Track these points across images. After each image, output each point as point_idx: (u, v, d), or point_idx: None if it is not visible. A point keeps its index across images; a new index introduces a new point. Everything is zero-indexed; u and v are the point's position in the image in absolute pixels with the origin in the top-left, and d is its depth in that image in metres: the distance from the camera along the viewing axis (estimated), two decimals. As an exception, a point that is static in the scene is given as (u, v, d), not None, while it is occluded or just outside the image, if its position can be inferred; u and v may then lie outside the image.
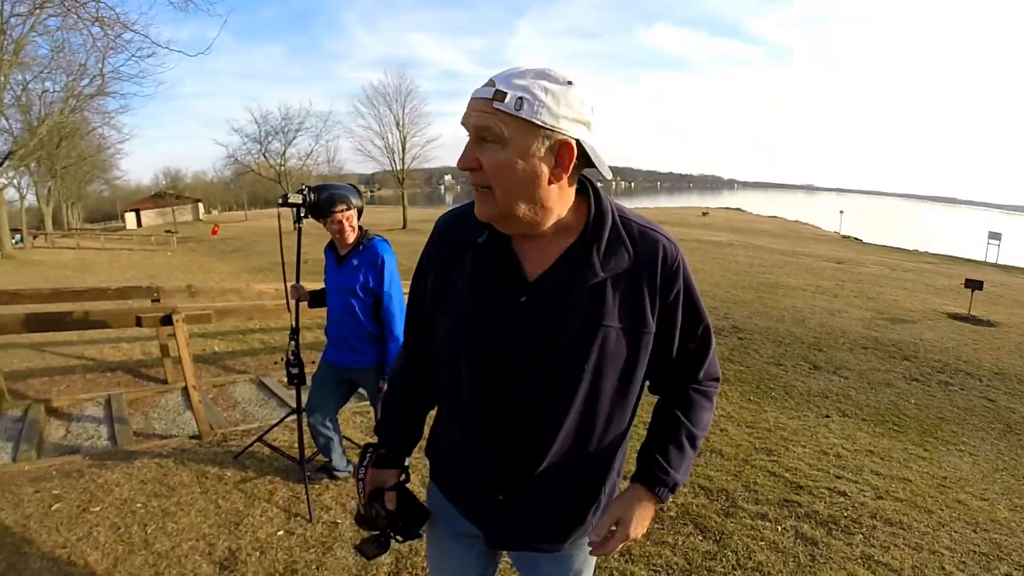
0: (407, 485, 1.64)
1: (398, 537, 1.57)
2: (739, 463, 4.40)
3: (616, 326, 1.26)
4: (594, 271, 1.22)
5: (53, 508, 3.58)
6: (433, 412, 1.65)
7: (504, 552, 1.65)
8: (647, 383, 1.46)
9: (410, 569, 3.10)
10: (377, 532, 1.60)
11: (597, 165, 1.20)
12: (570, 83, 1.14)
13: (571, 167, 1.18)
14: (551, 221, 1.25)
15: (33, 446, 4.67)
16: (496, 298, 1.29)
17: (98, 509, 3.57)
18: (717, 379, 1.49)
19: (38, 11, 17.71)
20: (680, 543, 3.33)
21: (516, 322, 1.28)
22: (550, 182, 1.18)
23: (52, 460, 4.36)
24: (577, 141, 1.16)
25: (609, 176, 1.25)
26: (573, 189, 1.27)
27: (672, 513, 3.62)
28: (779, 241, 28.65)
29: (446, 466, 1.55)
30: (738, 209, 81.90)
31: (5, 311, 6.25)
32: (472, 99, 1.17)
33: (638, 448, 1.48)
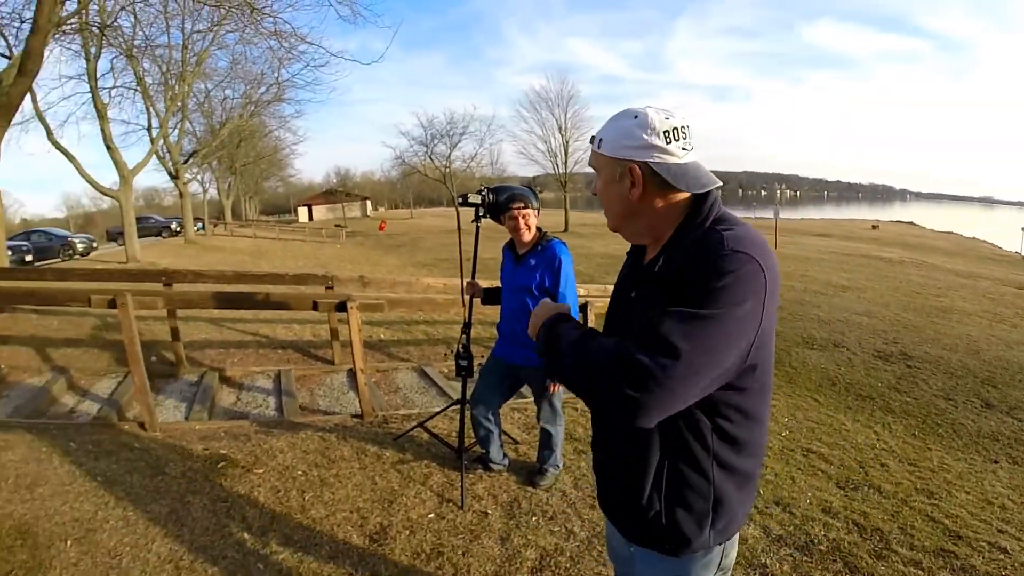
0: None
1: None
2: (897, 503, 4.04)
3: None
4: (654, 270, 1.43)
5: (219, 465, 3.88)
6: None
7: None
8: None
9: (553, 567, 3.06)
10: None
11: (672, 181, 1.39)
12: (636, 116, 1.39)
13: (642, 186, 1.41)
14: (654, 231, 1.49)
15: (205, 408, 5.10)
16: (623, 292, 1.60)
17: (261, 471, 3.83)
18: (649, 376, 1.22)
19: (217, 27, 19.67)
20: (827, 581, 3.11)
21: (628, 311, 1.54)
22: (638, 200, 1.43)
23: (221, 423, 4.74)
24: (644, 164, 1.39)
25: (713, 183, 1.42)
26: (669, 203, 1.45)
27: (823, 547, 3.38)
28: (954, 260, 26.14)
29: None
30: (910, 223, 75.58)
31: (192, 288, 6.87)
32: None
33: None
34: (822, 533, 3.53)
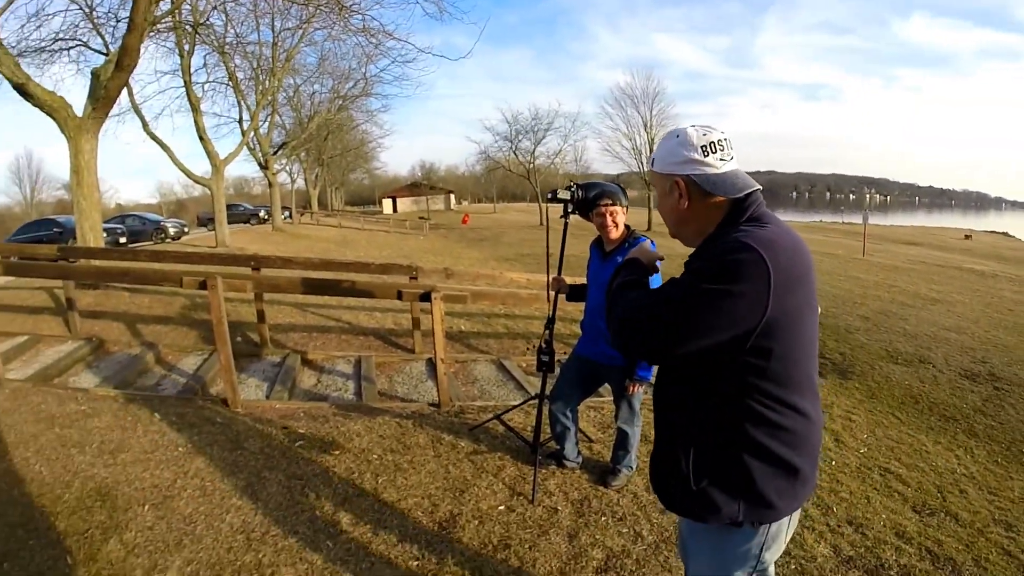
0: None
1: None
2: (974, 533, 3.83)
3: None
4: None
5: (296, 444, 4.00)
6: None
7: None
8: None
9: (618, 569, 3.03)
10: None
11: (711, 189, 1.60)
12: (677, 136, 1.63)
13: (688, 197, 1.64)
14: (702, 234, 1.66)
15: (286, 389, 5.26)
16: None
17: (337, 452, 3.92)
18: (638, 327, 1.59)
19: (306, 25, 20.26)
20: (897, 610, 2.98)
21: None
22: (687, 209, 1.65)
23: (301, 403, 4.87)
24: (687, 176, 1.61)
25: (725, 194, 1.60)
26: (712, 209, 1.64)
27: (893, 573, 3.24)
28: None
29: None
30: (1004, 233, 71.28)
31: (279, 273, 7.08)
32: None
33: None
34: (893, 558, 3.40)
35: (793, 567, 3.15)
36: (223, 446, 3.90)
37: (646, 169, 44.00)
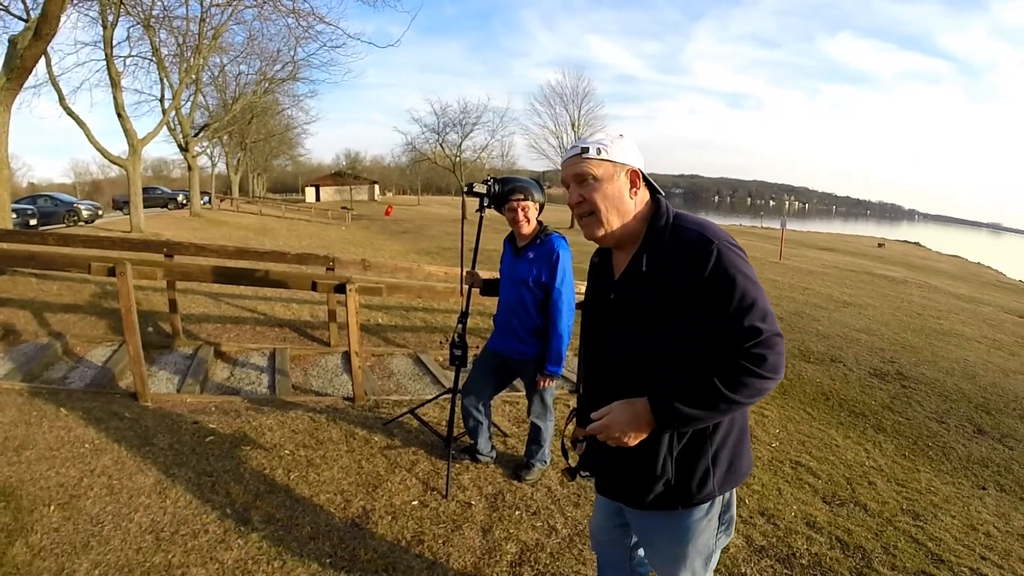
0: None
1: (583, 473, 2.06)
2: (882, 522, 4.04)
3: (662, 304, 1.68)
4: (641, 264, 1.74)
5: (207, 440, 3.89)
6: None
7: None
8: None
9: (532, 563, 3.06)
10: (574, 467, 2.12)
11: (653, 185, 1.84)
12: (621, 135, 1.80)
13: (640, 186, 1.80)
14: (631, 230, 1.80)
15: (198, 382, 5.11)
16: (600, 295, 1.90)
17: (248, 448, 3.84)
18: (763, 352, 1.60)
19: (236, 2, 19.64)
20: (806, 596, 3.10)
21: (610, 311, 1.84)
22: (630, 197, 1.79)
23: (213, 397, 4.75)
24: (639, 169, 1.79)
25: (657, 191, 1.87)
26: (644, 204, 1.83)
27: (804, 561, 3.37)
28: (957, 284, 26.02)
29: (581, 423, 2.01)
30: (916, 243, 75.45)
31: (192, 261, 6.86)
32: (565, 161, 1.82)
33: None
34: (804, 547, 3.53)
35: None
36: (131, 442, 3.75)
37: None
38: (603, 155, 1.75)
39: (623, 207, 1.78)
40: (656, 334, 1.71)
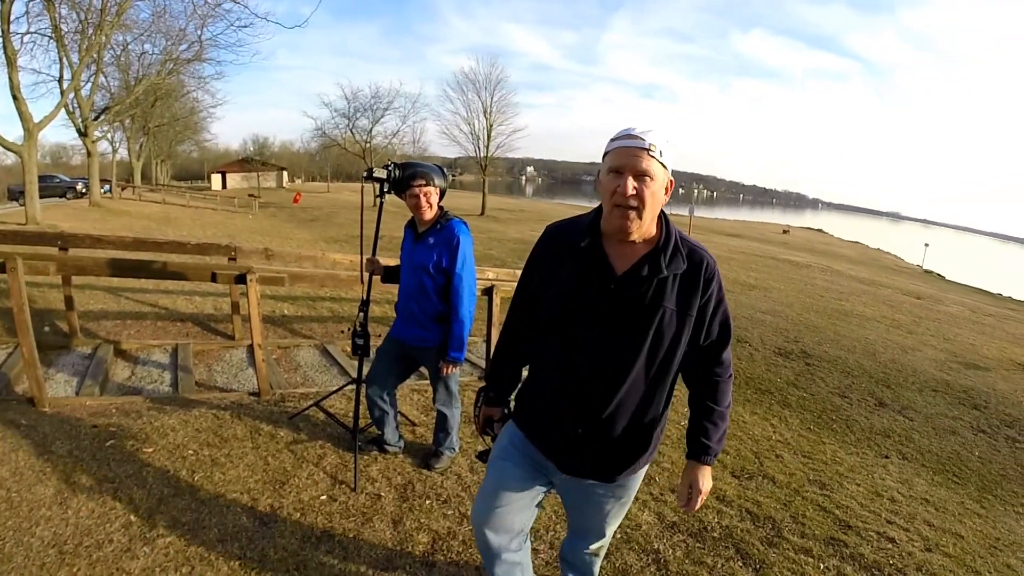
0: (510, 417, 2.27)
1: None
2: (790, 493, 4.24)
3: (672, 308, 1.85)
4: (661, 269, 1.82)
5: (108, 444, 3.71)
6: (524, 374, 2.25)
7: (553, 489, 2.21)
8: (681, 374, 2.06)
9: (445, 551, 3.09)
10: (489, 448, 2.32)
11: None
12: (668, 141, 1.80)
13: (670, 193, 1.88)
14: (649, 231, 1.87)
15: (97, 383, 4.88)
16: (596, 284, 1.86)
17: (151, 450, 3.69)
18: (730, 367, 2.06)
19: None
20: (719, 566, 3.21)
21: (607, 301, 1.85)
22: (662, 202, 1.85)
23: (114, 398, 4.55)
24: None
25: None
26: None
27: (715, 534, 3.51)
28: (858, 268, 27.57)
29: (538, 411, 2.07)
30: (819, 230, 79.52)
31: (88, 254, 6.53)
32: (631, 148, 1.77)
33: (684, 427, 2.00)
34: (716, 520, 3.67)
35: (619, 536, 3.32)
36: (29, 451, 3.55)
37: (481, 155, 44.36)
38: (663, 158, 1.78)
39: (656, 211, 1.84)
40: (648, 334, 1.84)
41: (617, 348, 1.86)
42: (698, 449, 2.05)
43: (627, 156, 1.77)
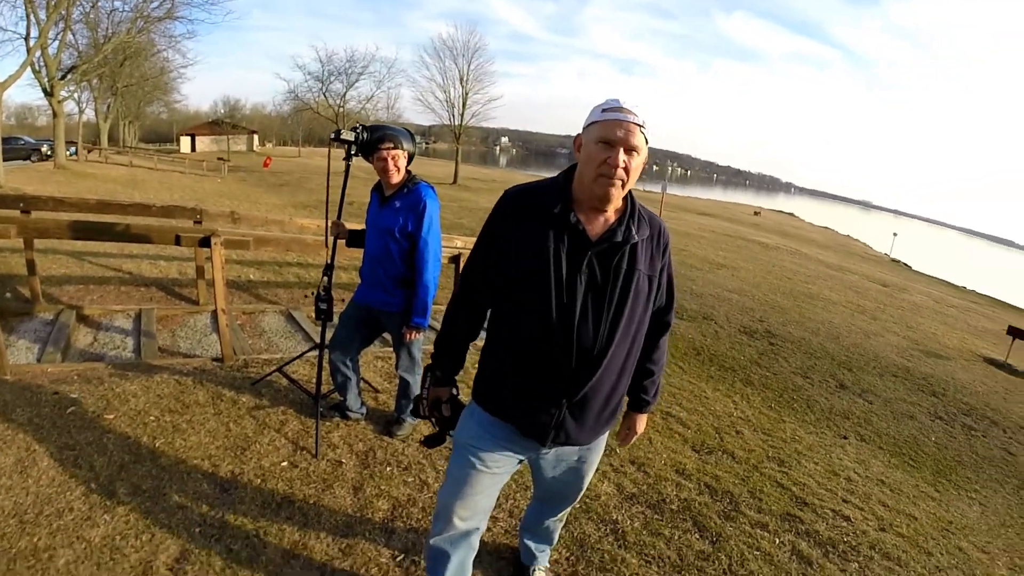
0: (458, 396, 2.30)
1: (451, 433, 2.21)
2: (749, 468, 4.32)
3: (644, 271, 1.91)
4: (632, 235, 1.87)
5: (68, 411, 3.65)
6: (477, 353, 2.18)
7: (523, 460, 2.16)
8: None
9: (405, 518, 3.10)
10: (438, 431, 2.31)
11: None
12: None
13: None
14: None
15: (59, 350, 4.78)
16: (572, 251, 1.83)
17: (112, 417, 3.63)
18: (670, 328, 2.24)
19: None
20: (676, 538, 3.26)
21: (587, 267, 1.84)
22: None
23: (75, 365, 4.46)
24: None
25: None
26: None
27: (674, 507, 3.56)
28: (827, 253, 28.03)
29: (513, 389, 1.98)
30: (790, 214, 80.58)
31: (50, 216, 6.36)
32: (625, 122, 1.76)
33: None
34: (674, 493, 3.72)
35: (578, 506, 3.32)
36: (-12, 419, 3.48)
37: (456, 123, 43.84)
38: (648, 134, 1.81)
39: (633, 183, 1.86)
40: (628, 299, 1.88)
41: (598, 315, 1.85)
42: (640, 403, 2.28)
43: (620, 129, 1.76)
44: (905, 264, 38.87)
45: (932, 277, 32.96)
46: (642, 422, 2.35)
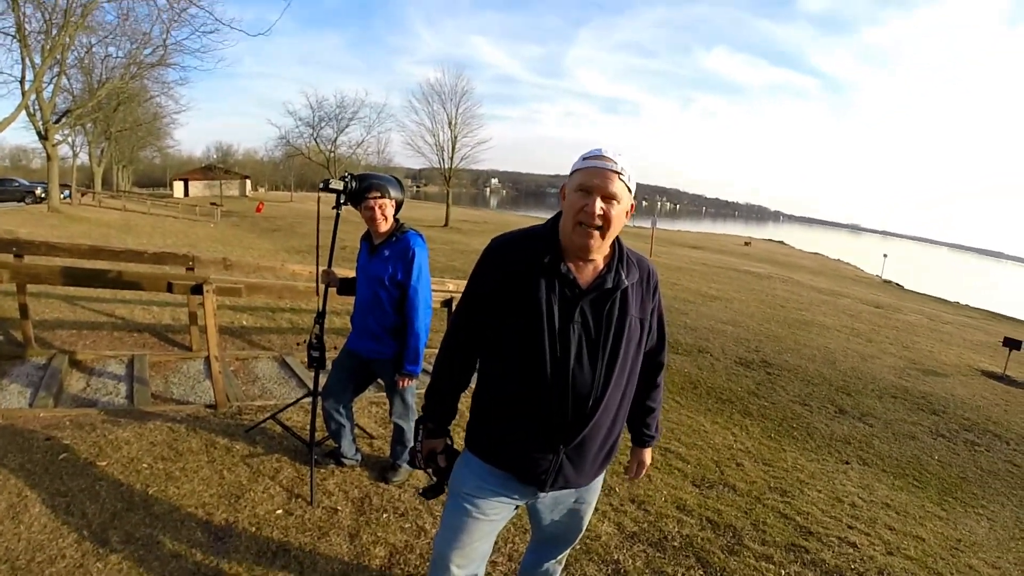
0: (452, 446, 2.28)
1: (447, 485, 2.20)
2: (751, 500, 4.30)
3: (636, 315, 1.94)
4: (622, 280, 1.89)
5: (61, 457, 3.63)
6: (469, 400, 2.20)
7: (520, 505, 2.13)
8: None
9: (403, 565, 3.07)
10: (435, 481, 2.30)
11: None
12: (632, 165, 1.83)
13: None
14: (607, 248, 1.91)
15: (52, 395, 4.76)
16: (563, 299, 1.84)
17: (104, 464, 3.61)
18: (665, 367, 2.29)
19: None
20: (679, 575, 3.26)
21: (578, 315, 1.85)
22: (623, 225, 1.86)
23: (68, 410, 4.44)
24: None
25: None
26: None
27: (676, 543, 3.54)
28: (818, 278, 28.23)
29: (508, 438, 1.97)
30: (780, 242, 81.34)
31: (43, 262, 6.39)
32: (603, 170, 1.79)
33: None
34: (676, 530, 3.70)
35: (579, 547, 3.30)
36: (-20, 465, 3.46)
37: (446, 166, 44.27)
38: (630, 183, 1.83)
39: (617, 232, 1.88)
40: (621, 345, 1.89)
41: (593, 363, 1.86)
42: (644, 439, 2.37)
43: (598, 177, 1.79)
44: (897, 284, 39.10)
45: (925, 295, 33.12)
46: (648, 455, 2.42)
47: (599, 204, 1.78)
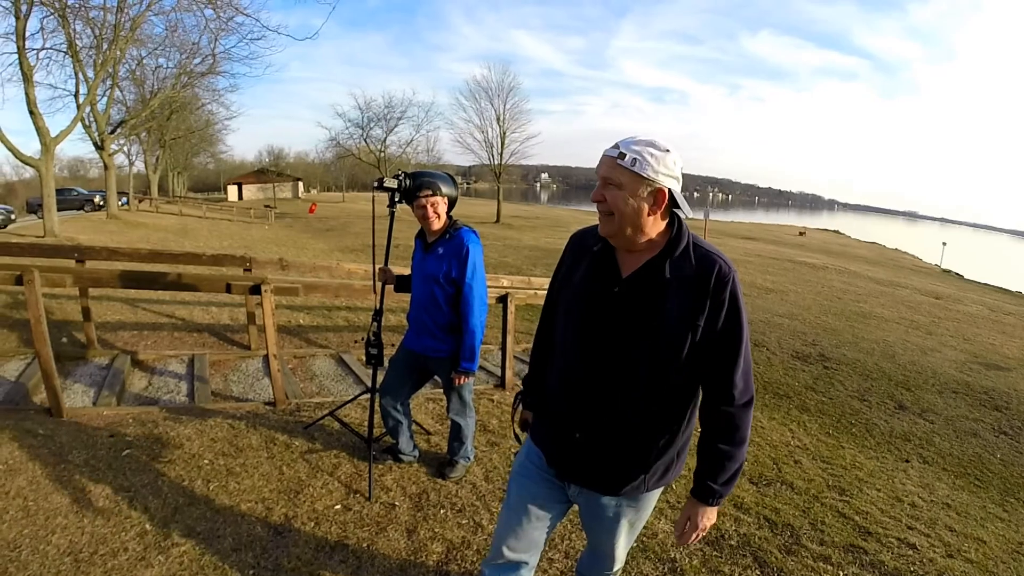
0: None
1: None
2: (809, 499, 4.18)
3: (675, 313, 1.76)
4: (664, 273, 1.79)
5: (124, 453, 3.74)
6: None
7: (573, 502, 2.15)
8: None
9: (459, 561, 3.07)
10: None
11: (681, 207, 1.84)
12: (668, 151, 1.74)
13: (664, 207, 1.79)
14: (645, 240, 1.83)
15: (114, 393, 4.92)
16: (601, 287, 1.88)
17: (166, 460, 3.72)
18: (751, 399, 1.90)
19: None
20: (736, 575, 3.17)
21: (611, 304, 1.84)
22: (649, 215, 1.78)
23: (130, 408, 4.59)
24: (669, 190, 1.76)
25: (690, 215, 1.92)
26: (664, 221, 1.85)
27: (733, 542, 3.46)
28: (876, 269, 27.32)
29: (543, 416, 2.11)
30: (836, 231, 79.07)
31: (104, 266, 6.59)
32: (603, 156, 1.80)
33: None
34: (733, 528, 3.62)
35: (634, 545, 3.25)
36: (46, 460, 3.58)
37: (496, 162, 44.38)
38: (636, 168, 1.72)
39: (638, 222, 1.79)
40: (647, 339, 1.79)
41: (616, 351, 1.84)
42: (702, 491, 1.95)
43: (600, 163, 1.83)
44: (957, 274, 37.58)
45: (986, 285, 31.69)
46: (705, 516, 1.97)
47: (599, 189, 1.83)
